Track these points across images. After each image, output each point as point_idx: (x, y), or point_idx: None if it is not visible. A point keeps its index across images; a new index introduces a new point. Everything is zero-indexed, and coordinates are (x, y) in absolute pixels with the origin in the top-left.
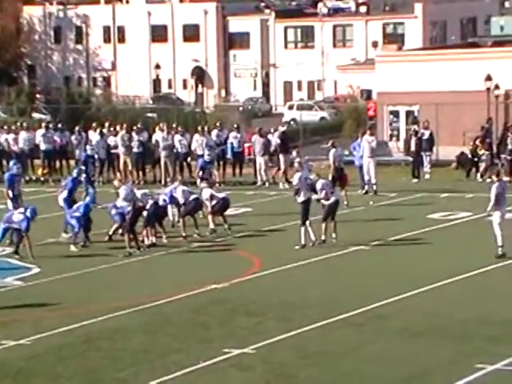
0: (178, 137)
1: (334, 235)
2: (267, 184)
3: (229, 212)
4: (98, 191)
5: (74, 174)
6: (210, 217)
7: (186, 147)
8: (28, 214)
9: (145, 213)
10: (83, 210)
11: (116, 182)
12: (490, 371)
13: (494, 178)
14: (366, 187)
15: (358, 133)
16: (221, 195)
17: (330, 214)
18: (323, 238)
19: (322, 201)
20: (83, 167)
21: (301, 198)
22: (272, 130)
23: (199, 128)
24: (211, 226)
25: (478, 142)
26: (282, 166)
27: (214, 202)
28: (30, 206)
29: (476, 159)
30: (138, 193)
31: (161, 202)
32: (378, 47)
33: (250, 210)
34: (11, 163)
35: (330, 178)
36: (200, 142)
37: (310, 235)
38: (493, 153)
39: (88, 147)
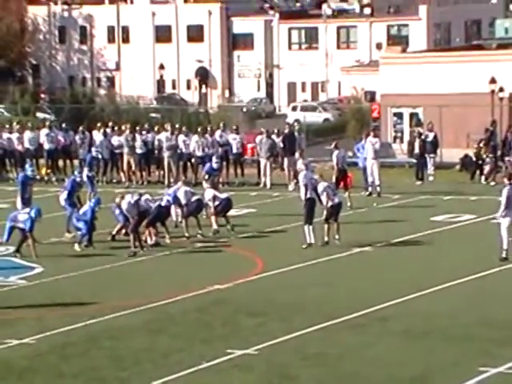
0: (182, 137)
1: (336, 236)
2: (269, 186)
3: (232, 213)
4: (102, 191)
5: (76, 174)
6: (213, 218)
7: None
8: (32, 214)
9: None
10: (90, 216)
11: (117, 199)
12: (492, 374)
13: (506, 181)
14: (370, 189)
15: (362, 134)
16: (223, 196)
17: (333, 216)
18: (326, 239)
19: (325, 202)
20: (86, 169)
21: (307, 196)
22: (276, 131)
23: (199, 129)
24: (214, 226)
25: (482, 145)
26: (286, 168)
27: (216, 203)
28: (35, 206)
29: (480, 162)
30: (142, 199)
31: (164, 203)
32: (382, 49)
33: (253, 211)
34: (26, 165)
35: (334, 179)
36: (200, 143)
37: (311, 237)
38: (497, 155)
39: (93, 149)
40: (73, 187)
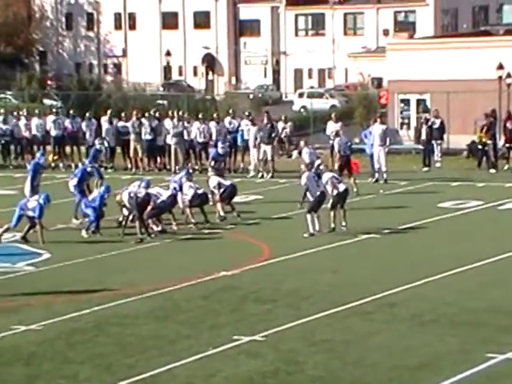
0: (196, 124)
1: (343, 223)
2: (260, 174)
3: (239, 199)
4: (108, 177)
5: (86, 163)
6: (218, 204)
7: (206, 135)
8: (41, 200)
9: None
10: (99, 203)
11: (117, 198)
12: (500, 360)
13: None
14: (377, 175)
15: (369, 121)
16: (228, 182)
17: (340, 202)
18: (332, 225)
19: (330, 191)
20: (87, 161)
21: (314, 193)
22: (283, 118)
23: (200, 116)
24: (221, 213)
25: (483, 132)
26: (256, 158)
27: (221, 190)
28: (43, 193)
29: (486, 148)
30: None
31: (170, 191)
32: (389, 35)
33: (260, 198)
34: (38, 154)
35: (337, 167)
36: (201, 129)
37: (315, 225)
38: (496, 143)
39: (96, 141)
40: (83, 175)
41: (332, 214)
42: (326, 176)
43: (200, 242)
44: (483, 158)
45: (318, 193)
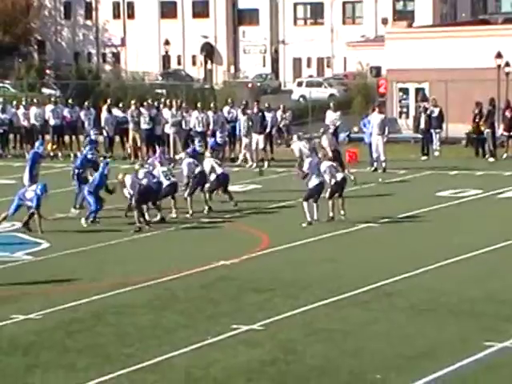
0: (195, 113)
1: (342, 212)
2: (249, 164)
3: (237, 189)
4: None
5: (85, 151)
6: (207, 194)
7: (205, 125)
8: (38, 191)
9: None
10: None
11: (120, 176)
12: (498, 349)
13: None
14: (375, 164)
15: (368, 110)
16: (220, 170)
17: (338, 191)
18: (331, 214)
19: (328, 181)
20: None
21: (313, 182)
22: (282, 107)
23: (198, 105)
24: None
25: (481, 122)
26: (247, 148)
27: (212, 178)
28: (41, 182)
29: (482, 137)
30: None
31: (169, 181)
32: (388, 24)
33: (258, 187)
34: (37, 143)
35: None
36: (200, 118)
37: (314, 213)
38: (495, 131)
39: (92, 132)
40: (82, 164)
41: (330, 203)
42: (325, 165)
43: (198, 231)
44: (479, 148)
45: (317, 182)
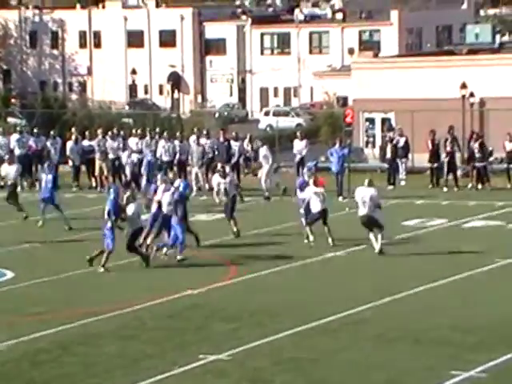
0: (162, 142)
1: (329, 239)
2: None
3: (205, 218)
4: (74, 196)
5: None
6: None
7: (171, 154)
8: None
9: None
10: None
11: (126, 196)
12: (464, 378)
13: None
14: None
15: (334, 139)
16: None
17: (318, 220)
18: (311, 239)
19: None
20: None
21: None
22: (248, 136)
23: (164, 134)
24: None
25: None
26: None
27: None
28: None
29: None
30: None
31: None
32: (354, 54)
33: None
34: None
35: None
36: (167, 147)
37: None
38: (454, 160)
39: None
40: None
41: (308, 229)
42: (310, 190)
43: (168, 259)
44: (433, 177)
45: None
